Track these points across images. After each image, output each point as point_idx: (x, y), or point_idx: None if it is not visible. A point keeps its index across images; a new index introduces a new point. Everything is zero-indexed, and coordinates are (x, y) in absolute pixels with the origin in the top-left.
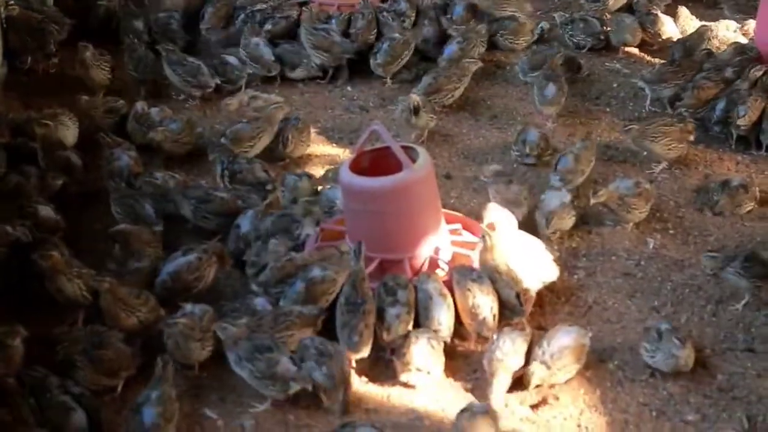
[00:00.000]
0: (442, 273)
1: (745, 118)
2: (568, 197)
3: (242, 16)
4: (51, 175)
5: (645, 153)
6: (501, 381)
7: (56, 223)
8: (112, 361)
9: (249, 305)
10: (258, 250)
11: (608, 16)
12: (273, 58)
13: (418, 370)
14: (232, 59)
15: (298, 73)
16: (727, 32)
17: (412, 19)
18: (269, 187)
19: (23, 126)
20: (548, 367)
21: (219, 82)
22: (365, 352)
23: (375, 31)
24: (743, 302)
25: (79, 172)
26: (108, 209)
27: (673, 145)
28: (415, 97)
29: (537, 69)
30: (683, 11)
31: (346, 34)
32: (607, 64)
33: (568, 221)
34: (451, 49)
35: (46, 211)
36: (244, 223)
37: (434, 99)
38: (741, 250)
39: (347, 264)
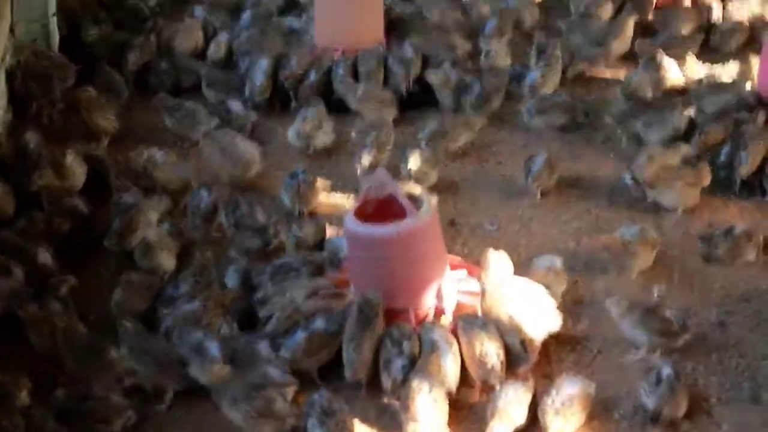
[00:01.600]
0: (447, 321)
1: (747, 165)
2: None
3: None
4: (58, 221)
5: (650, 199)
6: (502, 430)
7: (53, 271)
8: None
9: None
10: (271, 299)
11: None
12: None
13: (423, 422)
14: (234, 105)
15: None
16: (730, 78)
17: (419, 66)
18: (272, 231)
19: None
20: (563, 416)
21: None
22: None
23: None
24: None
25: (86, 218)
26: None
27: (688, 191)
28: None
29: (542, 114)
30: (688, 56)
31: (354, 77)
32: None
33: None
34: (533, 76)
35: (44, 256)
36: (231, 279)
37: (438, 143)
38: (648, 304)
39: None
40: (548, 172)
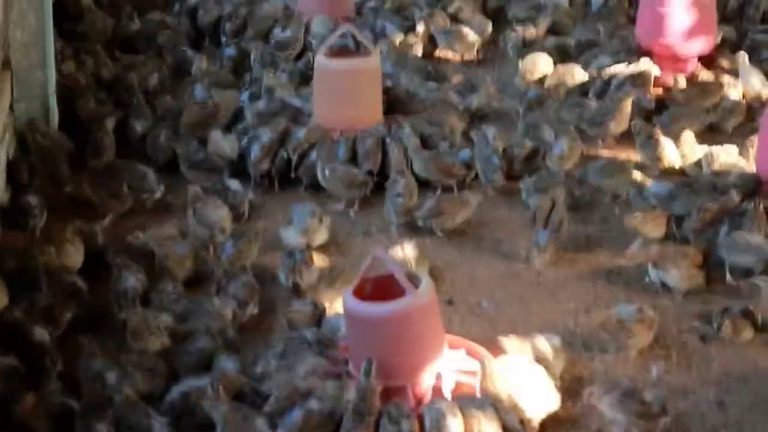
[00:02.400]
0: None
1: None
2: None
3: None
4: (59, 309)
5: (648, 279)
6: None
7: (51, 351)
8: None
9: None
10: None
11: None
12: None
13: None
14: (235, 184)
15: None
16: (728, 157)
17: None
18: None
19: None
20: None
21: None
22: None
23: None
24: None
25: (86, 297)
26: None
27: (691, 273)
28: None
29: (542, 192)
30: (687, 135)
31: (353, 157)
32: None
33: None
34: (560, 147)
35: (41, 334)
36: (227, 365)
37: (435, 222)
38: (628, 385)
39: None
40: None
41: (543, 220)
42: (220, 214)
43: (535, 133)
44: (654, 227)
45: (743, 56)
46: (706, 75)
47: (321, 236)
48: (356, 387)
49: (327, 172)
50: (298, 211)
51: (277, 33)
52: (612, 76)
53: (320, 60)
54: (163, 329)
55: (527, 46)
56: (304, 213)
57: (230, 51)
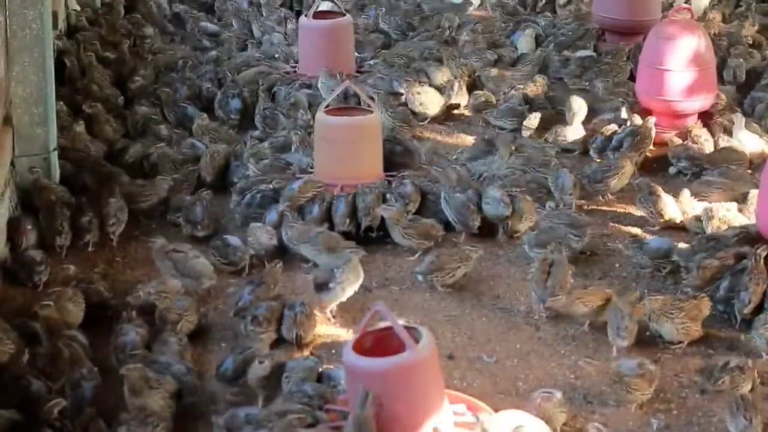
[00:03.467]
0: None
1: (749, 305)
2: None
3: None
4: (59, 364)
5: (650, 332)
6: None
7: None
8: None
9: None
10: None
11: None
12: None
13: None
14: (234, 240)
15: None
16: (727, 213)
17: (417, 203)
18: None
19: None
20: None
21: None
22: None
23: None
24: None
25: (87, 351)
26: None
27: (687, 325)
28: None
29: (543, 247)
30: (685, 193)
31: (353, 212)
32: (609, 244)
33: None
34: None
35: (38, 386)
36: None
37: (436, 277)
38: None
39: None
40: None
41: (542, 281)
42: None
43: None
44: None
45: (740, 119)
46: (703, 132)
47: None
48: (353, 417)
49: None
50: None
51: (281, 90)
52: (613, 133)
53: (321, 116)
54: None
55: (528, 103)
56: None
57: (236, 103)
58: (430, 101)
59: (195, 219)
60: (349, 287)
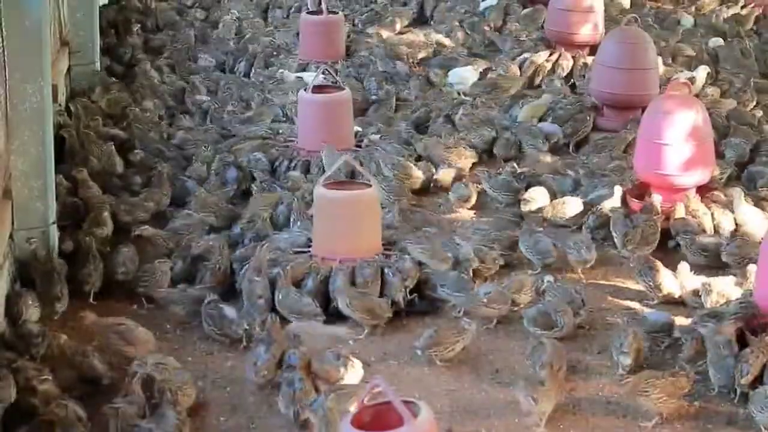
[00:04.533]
0: None
1: (748, 376)
2: None
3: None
4: None
5: (645, 408)
6: None
7: None
8: None
9: None
10: None
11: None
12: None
13: None
14: (229, 311)
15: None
16: (726, 287)
17: (415, 279)
18: None
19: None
20: None
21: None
22: None
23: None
24: None
25: (84, 424)
26: None
27: (664, 400)
28: None
29: (544, 328)
30: (683, 267)
31: (352, 284)
32: (608, 318)
33: None
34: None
35: None
36: None
37: (434, 352)
38: None
39: None
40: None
41: (540, 362)
42: None
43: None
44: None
45: (740, 193)
46: (702, 206)
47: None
48: None
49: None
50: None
51: (281, 164)
52: (608, 218)
53: (319, 191)
54: None
55: (524, 179)
56: None
57: (232, 173)
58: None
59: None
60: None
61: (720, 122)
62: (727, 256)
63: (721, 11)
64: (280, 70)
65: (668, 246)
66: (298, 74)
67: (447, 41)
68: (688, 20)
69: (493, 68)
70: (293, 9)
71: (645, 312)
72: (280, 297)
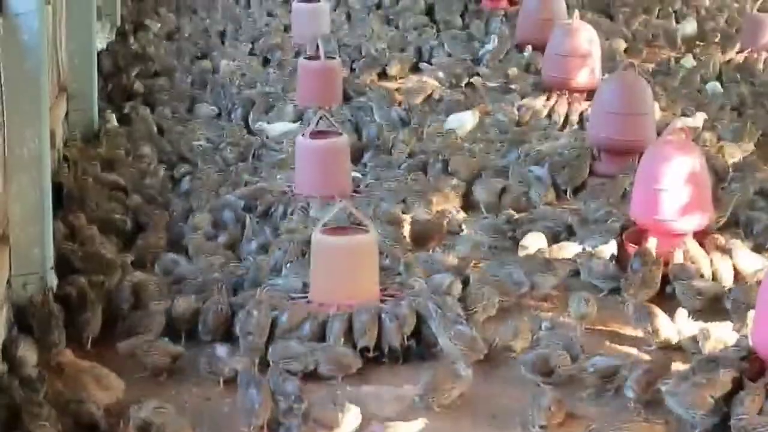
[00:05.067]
0: None
1: (745, 420)
2: None
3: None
4: None
5: None
6: None
7: None
8: None
9: None
10: None
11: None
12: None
13: None
14: (221, 351)
15: (295, 366)
16: (723, 333)
17: (412, 326)
18: None
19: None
20: None
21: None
22: None
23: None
24: None
25: None
26: None
27: None
28: None
29: (541, 374)
30: (681, 313)
31: (349, 332)
32: None
33: None
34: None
35: None
36: None
37: (432, 398)
38: None
39: None
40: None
41: (537, 407)
42: None
43: None
44: None
45: (738, 241)
46: (700, 252)
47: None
48: None
49: None
50: None
51: (277, 212)
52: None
53: (317, 237)
54: None
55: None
56: None
57: (229, 215)
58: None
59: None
60: None
61: (721, 167)
62: (728, 302)
63: (718, 57)
64: (259, 123)
65: (666, 291)
66: (280, 125)
67: (445, 86)
68: (688, 60)
69: (492, 113)
70: (292, 54)
71: (593, 358)
72: (277, 345)
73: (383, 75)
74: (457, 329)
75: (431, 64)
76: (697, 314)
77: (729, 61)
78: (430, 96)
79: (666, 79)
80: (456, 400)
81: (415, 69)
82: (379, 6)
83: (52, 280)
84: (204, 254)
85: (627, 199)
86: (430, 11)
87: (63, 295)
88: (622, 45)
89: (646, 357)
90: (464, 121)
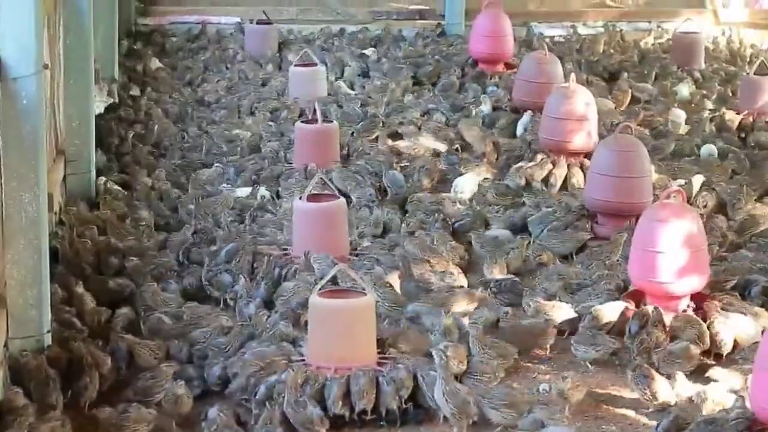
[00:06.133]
0: None
1: None
2: None
3: None
4: None
5: None
6: None
7: None
8: None
9: None
10: None
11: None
12: None
13: None
14: (212, 411)
15: None
16: (720, 395)
17: (409, 389)
18: None
19: None
20: None
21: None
22: None
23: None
24: None
25: None
26: None
27: None
28: None
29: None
30: (680, 376)
31: (347, 394)
32: (603, 427)
33: None
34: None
35: None
36: None
37: None
38: None
39: None
40: None
41: None
42: None
43: None
44: None
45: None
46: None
47: None
48: None
49: None
50: None
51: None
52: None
53: (314, 300)
54: None
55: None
56: None
57: (227, 278)
58: None
59: None
60: None
61: (719, 230)
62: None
63: (714, 119)
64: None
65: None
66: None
67: (443, 148)
68: (680, 116)
69: (498, 180)
70: (289, 119)
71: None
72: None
73: (382, 137)
74: (451, 388)
75: (430, 128)
76: (694, 376)
77: (726, 123)
78: (430, 157)
79: (663, 142)
80: None
81: (413, 131)
82: (375, 68)
83: (49, 343)
84: (199, 318)
85: (624, 261)
86: (426, 74)
87: (60, 358)
88: (618, 107)
89: (645, 421)
90: (465, 185)
